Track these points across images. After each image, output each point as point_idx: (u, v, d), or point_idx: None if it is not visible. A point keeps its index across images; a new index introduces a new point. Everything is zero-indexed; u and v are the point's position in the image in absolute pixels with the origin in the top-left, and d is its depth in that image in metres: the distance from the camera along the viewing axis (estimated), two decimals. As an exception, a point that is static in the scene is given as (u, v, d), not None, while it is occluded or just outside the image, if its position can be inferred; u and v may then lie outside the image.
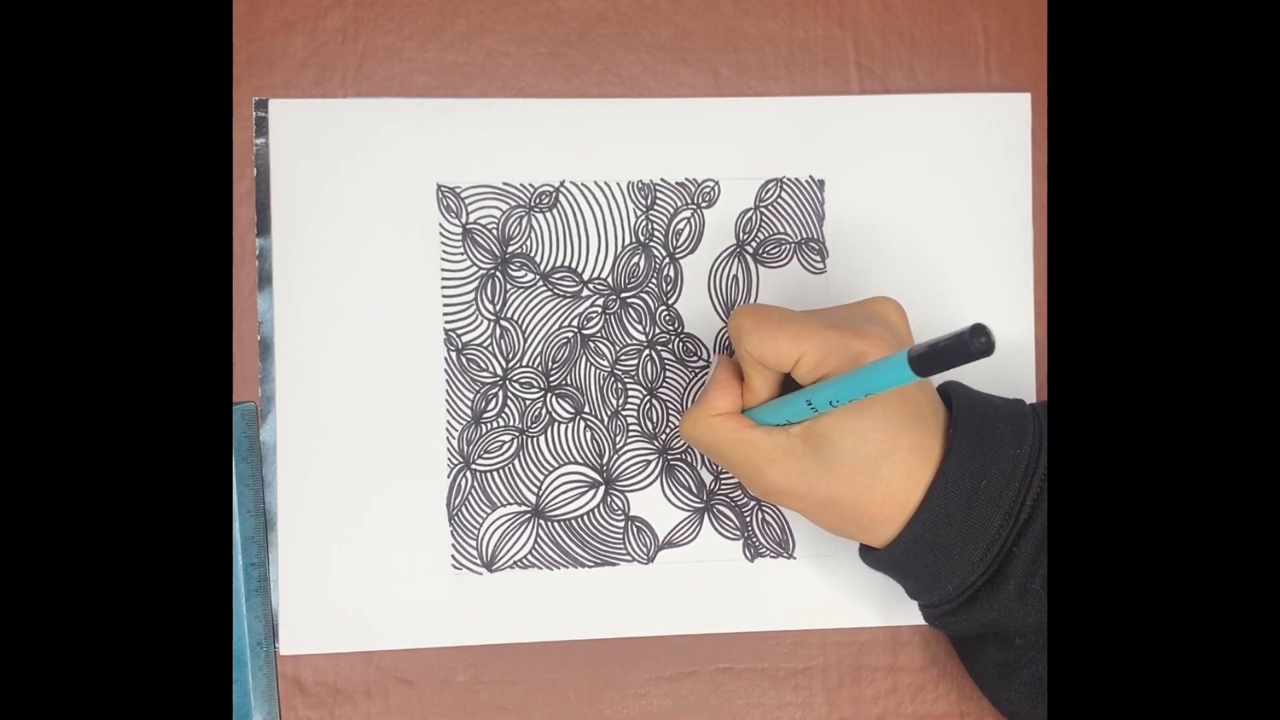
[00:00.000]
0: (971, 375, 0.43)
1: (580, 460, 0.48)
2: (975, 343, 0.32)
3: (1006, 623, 0.40)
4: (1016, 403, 0.42)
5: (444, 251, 0.47)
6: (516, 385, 0.48)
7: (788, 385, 0.42)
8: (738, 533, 0.48)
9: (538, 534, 0.47)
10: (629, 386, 0.48)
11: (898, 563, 0.41)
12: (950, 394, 0.42)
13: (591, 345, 0.48)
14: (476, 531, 0.47)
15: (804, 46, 0.49)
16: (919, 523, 0.40)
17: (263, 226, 0.47)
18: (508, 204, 0.48)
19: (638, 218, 0.48)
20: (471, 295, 0.48)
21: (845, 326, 0.40)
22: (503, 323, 0.48)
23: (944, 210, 0.49)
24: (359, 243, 0.47)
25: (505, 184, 0.48)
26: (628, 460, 0.48)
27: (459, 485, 0.47)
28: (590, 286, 0.48)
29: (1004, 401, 0.42)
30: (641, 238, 0.48)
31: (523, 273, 0.48)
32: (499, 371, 0.48)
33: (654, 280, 0.48)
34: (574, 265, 0.48)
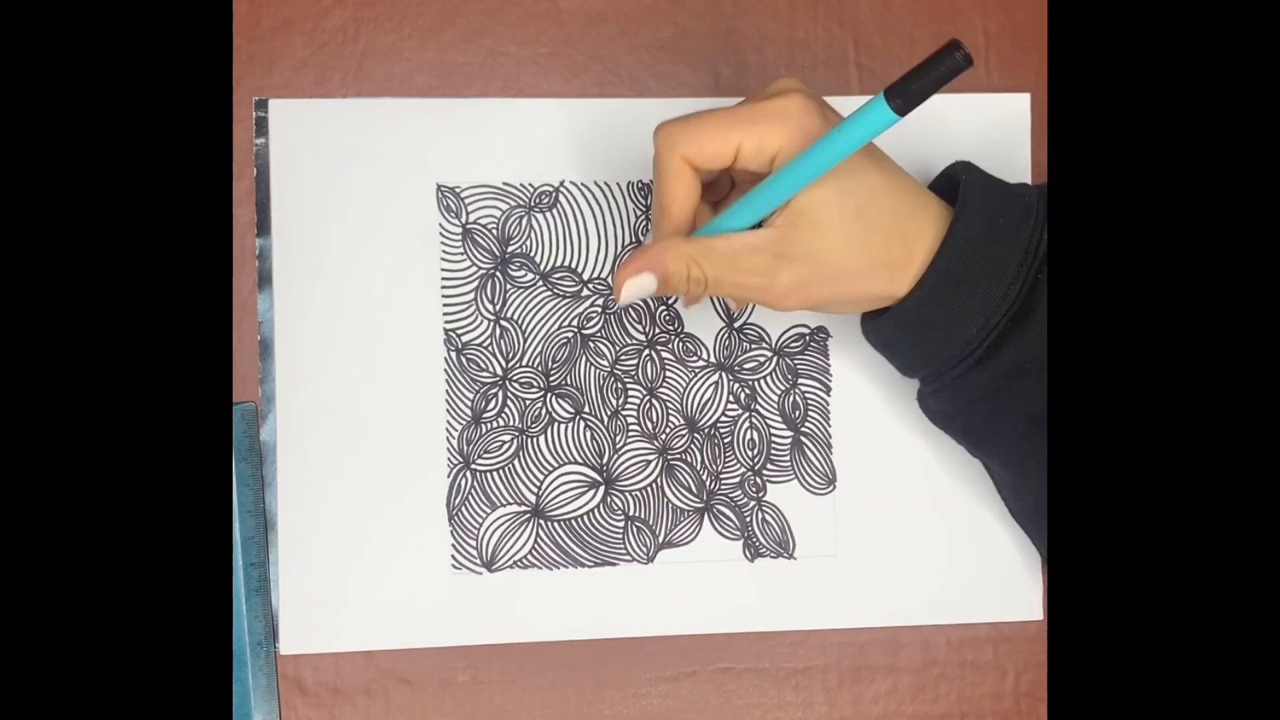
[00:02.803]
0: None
1: (580, 460, 0.48)
2: (956, 57, 0.30)
3: (1041, 351, 0.40)
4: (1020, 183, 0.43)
5: (444, 251, 0.48)
6: (516, 385, 0.48)
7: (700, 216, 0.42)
8: (738, 533, 0.48)
9: (537, 534, 0.48)
10: (629, 386, 0.48)
11: (922, 309, 0.41)
12: (957, 165, 0.43)
13: (591, 345, 0.48)
14: (476, 531, 0.47)
15: (804, 46, 0.49)
16: (945, 256, 0.40)
17: (263, 226, 0.47)
18: (508, 204, 0.48)
19: (638, 218, 0.48)
20: (471, 295, 0.48)
21: (771, 109, 0.40)
22: (502, 323, 0.48)
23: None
24: (359, 243, 0.47)
25: (505, 184, 0.48)
26: (628, 460, 0.48)
27: (459, 485, 0.47)
28: (590, 286, 0.48)
29: None
30: (641, 238, 0.48)
31: (523, 273, 0.48)
32: (499, 371, 0.48)
33: (654, 280, 0.48)
34: (574, 265, 0.48)
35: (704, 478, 0.48)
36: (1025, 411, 0.41)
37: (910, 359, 0.43)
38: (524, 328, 0.48)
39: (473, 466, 0.47)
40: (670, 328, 0.48)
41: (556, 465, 0.48)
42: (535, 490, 0.48)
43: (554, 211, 0.48)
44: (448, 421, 0.47)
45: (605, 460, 0.48)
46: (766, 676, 0.48)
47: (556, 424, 0.48)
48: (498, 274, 0.48)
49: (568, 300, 0.48)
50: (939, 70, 0.32)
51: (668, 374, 0.48)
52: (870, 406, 0.49)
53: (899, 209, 0.40)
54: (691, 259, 0.40)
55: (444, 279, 0.47)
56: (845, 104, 0.49)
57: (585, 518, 0.48)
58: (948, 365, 0.42)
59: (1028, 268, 0.40)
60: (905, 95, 0.33)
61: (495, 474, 0.47)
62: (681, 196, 0.41)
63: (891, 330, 0.42)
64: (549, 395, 0.48)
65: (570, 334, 0.48)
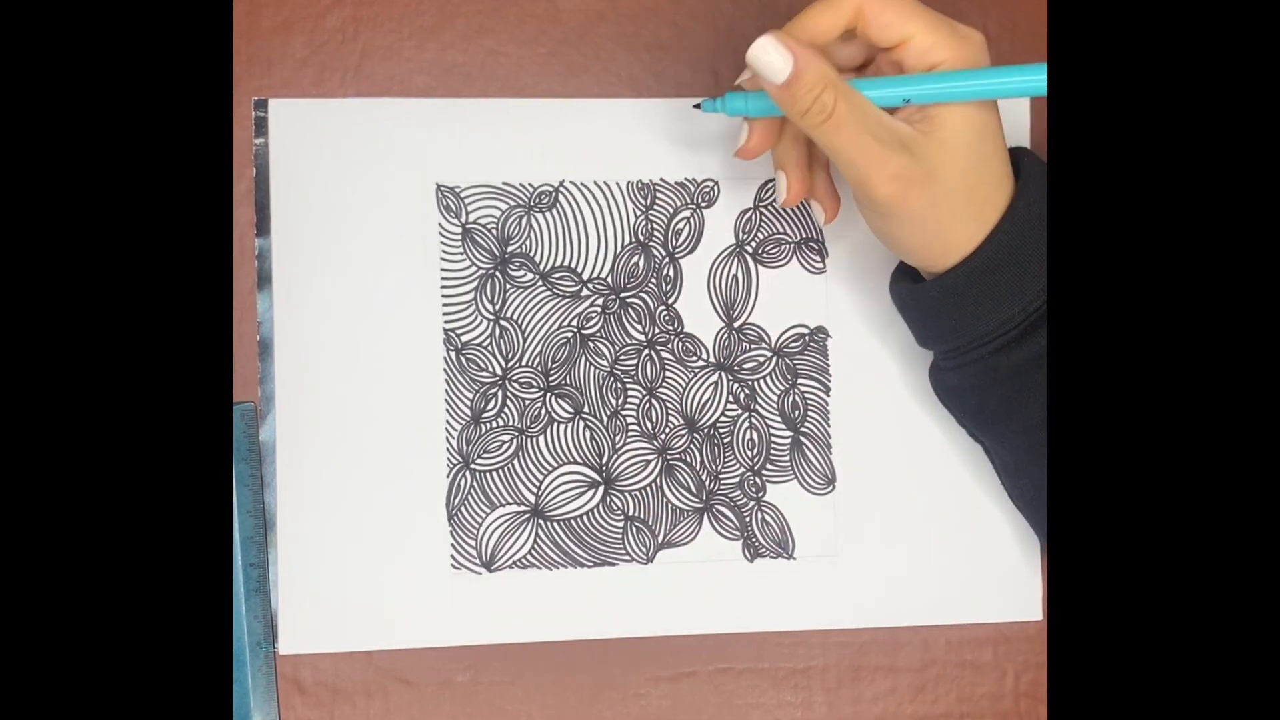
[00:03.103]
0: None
1: (580, 460, 0.48)
2: None
3: None
4: None
5: (444, 251, 0.47)
6: (516, 385, 0.48)
7: None
8: (737, 533, 0.48)
9: (537, 534, 0.47)
10: (628, 386, 0.48)
11: (970, 279, 0.41)
12: (1019, 150, 0.43)
13: (591, 345, 0.48)
14: (476, 531, 0.47)
15: (804, 46, 0.49)
16: (1004, 233, 0.40)
17: (263, 226, 0.47)
18: (507, 204, 0.48)
19: (637, 218, 0.48)
20: (471, 295, 0.48)
21: (954, 23, 0.40)
22: (502, 322, 0.48)
23: (944, 210, 0.49)
24: (359, 243, 0.47)
25: (505, 184, 0.48)
26: (627, 460, 0.48)
27: (458, 485, 0.47)
28: (590, 286, 0.48)
29: None
30: (641, 237, 0.48)
31: (522, 272, 0.48)
32: (498, 371, 0.48)
33: (653, 280, 0.48)
34: (574, 265, 0.48)
35: (703, 478, 0.48)
36: (1045, 399, 0.42)
37: (941, 329, 0.43)
38: (524, 327, 0.48)
39: (472, 466, 0.47)
40: (670, 328, 0.48)
41: (556, 465, 0.48)
42: (535, 490, 0.48)
43: (554, 211, 0.48)
44: (447, 421, 0.47)
45: (605, 460, 0.48)
46: (766, 676, 0.48)
47: (556, 424, 0.48)
48: (497, 274, 0.48)
49: (567, 300, 0.48)
50: None
51: (667, 374, 0.48)
52: (870, 407, 0.49)
53: (1003, 181, 0.41)
54: (834, 84, 0.39)
55: (444, 279, 0.47)
56: (845, 104, 0.49)
57: (585, 518, 0.48)
58: (979, 341, 0.42)
59: None
60: None
61: (495, 474, 0.47)
62: (827, 23, 0.40)
63: (934, 296, 0.42)
64: (549, 395, 0.48)
65: (570, 334, 0.48)
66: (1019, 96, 0.40)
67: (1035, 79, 0.40)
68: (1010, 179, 0.42)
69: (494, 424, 0.48)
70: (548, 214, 0.48)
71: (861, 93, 0.40)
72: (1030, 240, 0.41)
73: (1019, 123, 0.49)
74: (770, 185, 0.49)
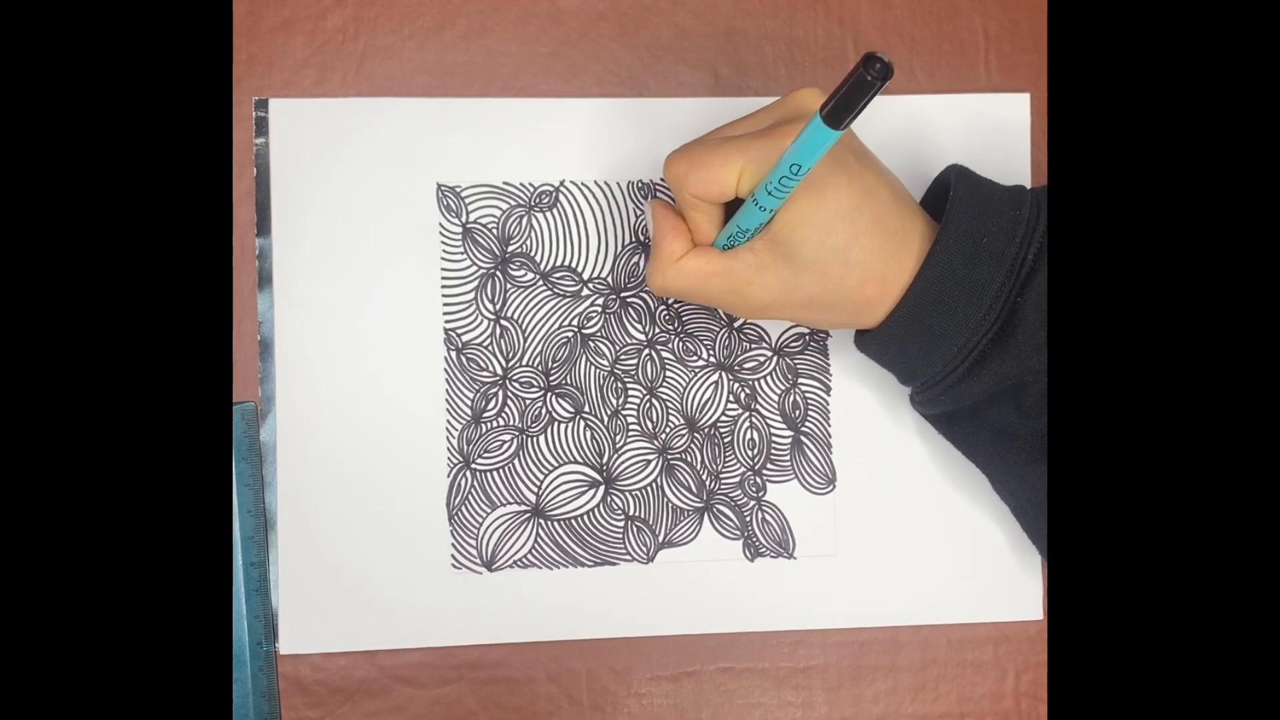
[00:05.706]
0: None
1: (580, 460, 0.48)
2: (871, 71, 0.33)
3: (1020, 373, 0.40)
4: (1016, 186, 0.42)
5: (444, 251, 0.48)
6: (516, 385, 0.48)
7: (728, 217, 0.43)
8: (738, 532, 0.48)
9: (537, 534, 0.48)
10: (629, 386, 0.48)
11: (901, 330, 0.41)
12: (950, 172, 0.43)
13: (591, 345, 0.48)
14: (476, 531, 0.47)
15: (804, 46, 0.49)
16: (924, 279, 0.40)
17: (263, 226, 0.47)
18: (508, 204, 0.48)
19: (638, 218, 0.48)
20: (471, 295, 0.48)
21: (772, 131, 0.40)
22: (503, 322, 0.48)
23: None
24: (359, 243, 0.47)
25: (505, 184, 0.48)
26: (627, 460, 0.48)
27: (459, 485, 0.47)
28: (590, 286, 0.48)
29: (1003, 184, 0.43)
30: (641, 237, 0.48)
31: (523, 272, 0.48)
32: (499, 371, 0.48)
33: (654, 280, 0.48)
34: (574, 265, 0.48)
35: (704, 477, 0.48)
36: (998, 427, 0.42)
37: (898, 372, 0.44)
38: (524, 327, 0.48)
39: (473, 466, 0.47)
40: (670, 327, 0.48)
41: (556, 465, 0.48)
42: (535, 490, 0.48)
43: (554, 211, 0.48)
44: (448, 421, 0.47)
45: (605, 460, 0.48)
46: (767, 676, 0.48)
47: (556, 424, 0.48)
48: (498, 273, 0.48)
49: (568, 300, 0.48)
50: (857, 91, 0.34)
51: (668, 374, 0.48)
52: (870, 406, 0.49)
53: (883, 249, 0.40)
54: (677, 274, 0.42)
55: (444, 278, 0.47)
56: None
57: (585, 517, 0.48)
58: (932, 380, 0.43)
59: (1009, 288, 0.40)
60: (833, 118, 0.35)
61: (495, 474, 0.47)
62: (704, 224, 0.42)
63: (875, 348, 0.43)
64: (549, 395, 0.48)
65: (570, 333, 0.48)
66: (810, 161, 0.37)
67: (810, 142, 0.37)
68: (917, 229, 0.41)
69: (494, 424, 0.48)
70: (548, 214, 0.48)
71: (718, 244, 0.42)
72: (954, 284, 0.40)
73: (1019, 121, 0.49)
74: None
